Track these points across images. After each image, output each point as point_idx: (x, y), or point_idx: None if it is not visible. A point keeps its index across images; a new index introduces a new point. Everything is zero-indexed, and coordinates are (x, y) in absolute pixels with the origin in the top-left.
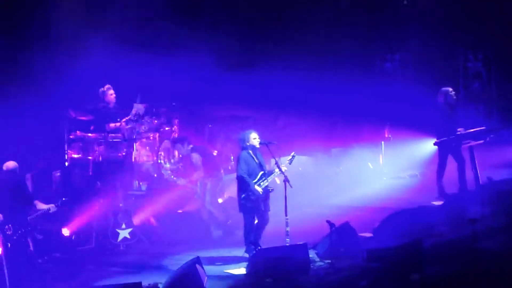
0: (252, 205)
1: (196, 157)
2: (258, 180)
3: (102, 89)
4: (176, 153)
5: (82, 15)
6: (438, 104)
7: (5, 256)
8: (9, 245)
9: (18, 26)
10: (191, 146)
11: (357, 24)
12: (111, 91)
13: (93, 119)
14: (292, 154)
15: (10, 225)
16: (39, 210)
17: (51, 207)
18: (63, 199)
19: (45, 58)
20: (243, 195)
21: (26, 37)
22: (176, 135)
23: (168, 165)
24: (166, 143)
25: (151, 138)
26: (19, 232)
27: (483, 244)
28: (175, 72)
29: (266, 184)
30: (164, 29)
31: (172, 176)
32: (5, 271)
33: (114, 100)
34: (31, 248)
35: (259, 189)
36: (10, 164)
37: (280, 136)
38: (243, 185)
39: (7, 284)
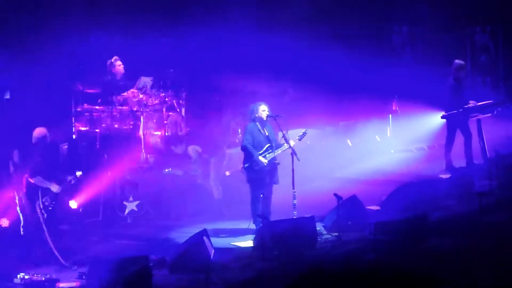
0: (256, 176)
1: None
2: (264, 152)
3: (110, 60)
4: (183, 125)
5: None
6: (448, 77)
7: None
8: (45, 215)
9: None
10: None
11: None
12: (119, 62)
13: (100, 92)
14: (304, 130)
15: (46, 196)
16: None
17: (71, 178)
18: (80, 172)
19: (53, 33)
20: (246, 165)
21: (34, 13)
22: (183, 109)
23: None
24: (174, 116)
25: (158, 110)
26: (54, 201)
27: (490, 217)
28: (183, 43)
29: (273, 156)
30: None
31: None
32: (49, 240)
33: (122, 71)
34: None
35: (264, 160)
36: (39, 131)
37: (288, 110)
38: (247, 155)
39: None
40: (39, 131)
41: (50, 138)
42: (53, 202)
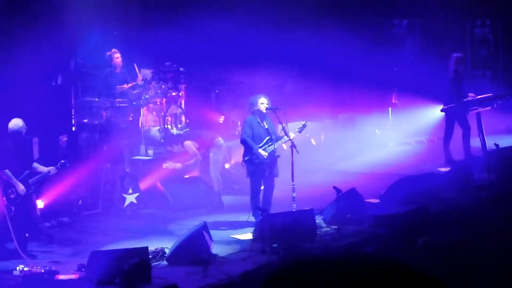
0: (256, 169)
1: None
2: (264, 144)
3: (109, 53)
4: (183, 117)
5: None
6: (447, 70)
7: (11, 220)
8: (13, 208)
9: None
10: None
11: None
12: (117, 55)
13: (100, 84)
14: (304, 123)
15: (13, 189)
16: (40, 172)
17: (51, 169)
18: (62, 161)
19: (53, 24)
20: (246, 158)
21: (34, 3)
22: (183, 101)
23: (175, 130)
24: (173, 108)
25: (158, 103)
26: (22, 195)
27: (489, 211)
28: (182, 35)
29: (273, 149)
30: None
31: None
32: (13, 235)
33: (121, 64)
34: (38, 212)
35: (263, 153)
36: (15, 122)
37: (287, 102)
38: (246, 149)
39: (17, 247)
40: (14, 122)
41: (26, 130)
42: (22, 196)
